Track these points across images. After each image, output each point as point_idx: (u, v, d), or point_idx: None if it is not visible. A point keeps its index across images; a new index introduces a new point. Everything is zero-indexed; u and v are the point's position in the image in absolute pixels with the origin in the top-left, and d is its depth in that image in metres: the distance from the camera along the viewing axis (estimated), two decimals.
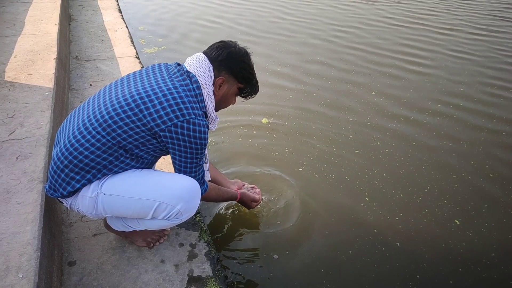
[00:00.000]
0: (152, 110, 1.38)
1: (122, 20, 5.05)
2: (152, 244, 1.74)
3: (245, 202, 1.99)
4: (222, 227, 2.07)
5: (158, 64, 1.57)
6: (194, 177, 1.54)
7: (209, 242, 1.84)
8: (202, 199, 1.65)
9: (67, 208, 1.56)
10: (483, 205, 2.30)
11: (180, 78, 1.47)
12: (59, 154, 1.44)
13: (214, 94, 1.56)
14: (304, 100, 3.47)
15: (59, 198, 1.51)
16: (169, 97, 1.39)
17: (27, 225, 1.48)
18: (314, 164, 2.60)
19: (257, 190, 2.09)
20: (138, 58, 3.82)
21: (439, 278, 1.85)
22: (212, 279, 1.62)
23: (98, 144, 1.40)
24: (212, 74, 1.52)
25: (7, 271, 1.30)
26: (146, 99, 1.39)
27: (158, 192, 1.49)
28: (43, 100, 2.38)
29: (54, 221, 1.70)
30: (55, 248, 1.60)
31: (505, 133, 3.05)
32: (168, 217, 1.54)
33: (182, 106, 1.39)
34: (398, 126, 3.09)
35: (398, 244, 2.02)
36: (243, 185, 2.10)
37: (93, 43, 4.17)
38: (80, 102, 2.94)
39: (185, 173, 1.52)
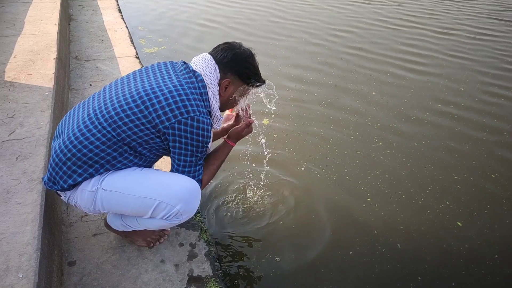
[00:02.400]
0: (157, 106, 1.38)
1: (122, 20, 5.05)
2: (152, 244, 1.74)
3: (241, 137, 1.76)
4: (222, 227, 2.06)
5: (164, 62, 1.57)
6: (192, 176, 1.52)
7: (209, 242, 1.83)
8: (202, 187, 1.60)
9: (65, 202, 1.54)
10: (485, 206, 2.29)
11: (186, 76, 1.47)
12: (62, 147, 1.43)
13: (220, 95, 1.57)
14: (305, 101, 3.46)
15: (57, 191, 1.50)
16: (175, 93, 1.39)
17: (27, 225, 1.47)
18: (315, 165, 2.59)
19: (247, 111, 1.75)
20: (138, 58, 3.81)
21: (440, 279, 1.84)
22: (212, 279, 1.62)
23: (104, 139, 1.40)
24: (217, 74, 1.52)
25: (7, 271, 1.29)
26: (152, 96, 1.39)
27: (158, 191, 1.48)
28: (43, 100, 2.38)
29: (54, 221, 1.69)
30: (55, 248, 1.59)
31: (506, 133, 3.05)
32: (167, 217, 1.53)
33: (187, 103, 1.40)
34: (399, 127, 3.09)
35: (399, 245, 2.01)
36: (230, 117, 1.88)
37: (93, 43, 4.16)
38: (80, 101, 2.93)
39: (183, 172, 1.51)
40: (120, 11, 5.45)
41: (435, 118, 3.24)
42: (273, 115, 3.06)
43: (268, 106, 1.79)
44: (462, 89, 3.80)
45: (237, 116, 1.83)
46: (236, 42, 1.59)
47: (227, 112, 1.90)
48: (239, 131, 1.74)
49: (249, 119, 1.73)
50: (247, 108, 1.74)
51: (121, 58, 3.78)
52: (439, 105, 3.46)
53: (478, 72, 4.22)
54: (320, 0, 7.24)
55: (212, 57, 1.54)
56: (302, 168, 2.55)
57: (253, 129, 1.78)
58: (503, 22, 6.20)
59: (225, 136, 1.76)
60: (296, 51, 4.67)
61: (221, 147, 1.72)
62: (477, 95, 3.67)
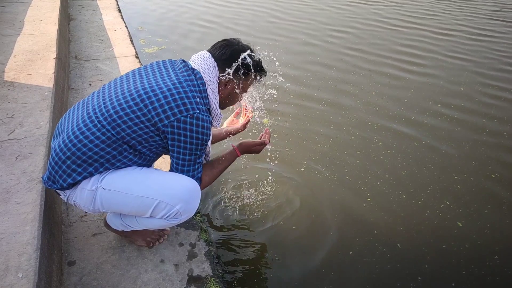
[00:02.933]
0: (156, 105, 1.38)
1: (121, 19, 5.04)
2: (151, 244, 1.73)
3: (249, 152, 1.76)
4: (222, 226, 2.06)
5: (163, 60, 1.57)
6: (191, 175, 1.52)
7: (209, 241, 1.82)
8: (202, 188, 1.59)
9: (65, 201, 1.54)
10: (485, 206, 2.29)
11: (185, 74, 1.47)
12: (62, 145, 1.42)
13: (220, 92, 1.56)
14: (305, 101, 3.46)
15: (57, 190, 1.49)
16: (174, 91, 1.39)
17: (27, 225, 1.46)
18: (315, 165, 2.59)
19: (267, 132, 1.81)
20: (137, 57, 3.81)
21: (440, 280, 1.84)
22: (212, 279, 1.61)
23: (103, 138, 1.39)
24: (216, 71, 1.52)
25: (7, 271, 1.29)
26: (151, 94, 1.39)
27: (158, 191, 1.48)
28: (43, 100, 2.37)
29: (53, 221, 1.69)
30: (54, 248, 1.58)
31: (506, 133, 3.05)
32: (167, 217, 1.52)
33: (186, 101, 1.39)
34: (399, 127, 3.09)
35: (399, 245, 2.01)
36: (235, 122, 1.90)
37: (92, 43, 4.16)
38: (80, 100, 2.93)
39: (182, 171, 1.50)
40: (119, 11, 5.45)
41: (435, 118, 3.24)
42: (275, 105, 3.07)
43: (269, 91, 1.80)
44: (462, 89, 3.80)
45: (246, 123, 1.86)
46: (234, 39, 1.60)
47: (232, 117, 1.93)
48: (250, 145, 1.74)
49: (266, 140, 1.75)
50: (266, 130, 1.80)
51: (121, 57, 3.77)
52: (439, 106, 3.46)
53: (477, 72, 4.22)
54: (318, 0, 7.24)
55: (210, 55, 1.54)
56: (302, 168, 2.55)
57: (253, 130, 1.78)
58: (502, 22, 6.20)
59: (236, 144, 1.75)
60: (295, 52, 4.67)
61: (227, 153, 1.71)
62: (476, 96, 3.67)
